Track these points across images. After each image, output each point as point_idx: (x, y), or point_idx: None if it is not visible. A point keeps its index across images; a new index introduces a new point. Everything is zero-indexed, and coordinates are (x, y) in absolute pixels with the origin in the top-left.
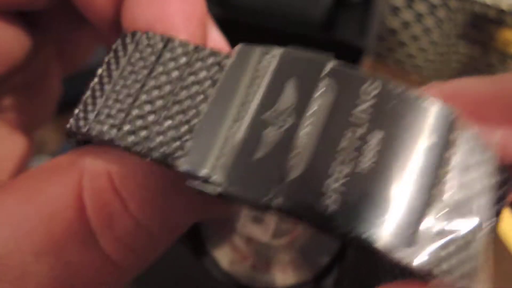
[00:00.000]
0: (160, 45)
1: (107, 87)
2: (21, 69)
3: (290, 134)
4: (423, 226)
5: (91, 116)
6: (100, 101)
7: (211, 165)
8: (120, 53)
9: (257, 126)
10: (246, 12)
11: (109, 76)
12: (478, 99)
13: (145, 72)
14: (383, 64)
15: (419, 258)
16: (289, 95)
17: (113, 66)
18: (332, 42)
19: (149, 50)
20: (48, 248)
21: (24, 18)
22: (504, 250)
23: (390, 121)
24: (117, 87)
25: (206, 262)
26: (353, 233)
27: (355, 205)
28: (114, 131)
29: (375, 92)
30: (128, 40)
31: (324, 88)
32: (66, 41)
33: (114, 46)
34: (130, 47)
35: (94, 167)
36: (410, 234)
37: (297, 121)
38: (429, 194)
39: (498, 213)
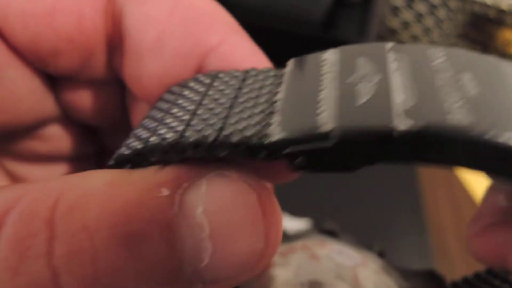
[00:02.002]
0: (241, 76)
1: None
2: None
3: (384, 83)
4: None
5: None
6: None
7: (312, 123)
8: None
9: (347, 87)
10: (246, 12)
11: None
12: None
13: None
14: None
15: None
16: (364, 65)
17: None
18: (332, 42)
19: (232, 80)
20: None
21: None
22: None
23: (471, 66)
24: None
25: None
26: (496, 137)
27: (486, 115)
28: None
29: (443, 52)
30: (202, 77)
31: (395, 55)
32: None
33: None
34: (208, 80)
35: None
36: None
37: (384, 76)
38: None
39: None
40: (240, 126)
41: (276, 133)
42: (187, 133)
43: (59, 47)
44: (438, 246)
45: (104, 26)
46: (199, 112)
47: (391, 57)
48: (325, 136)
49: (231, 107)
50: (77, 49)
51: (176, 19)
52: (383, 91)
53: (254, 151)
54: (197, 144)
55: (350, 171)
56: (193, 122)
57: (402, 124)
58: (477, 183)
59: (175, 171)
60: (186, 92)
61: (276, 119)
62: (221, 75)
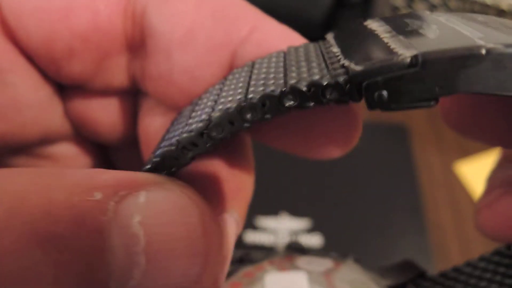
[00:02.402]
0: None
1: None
2: None
3: (445, 26)
4: None
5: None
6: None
7: (389, 55)
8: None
9: (408, 33)
10: None
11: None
12: None
13: None
14: None
15: None
16: (414, 22)
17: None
18: None
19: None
20: None
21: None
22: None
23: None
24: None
25: None
26: None
27: None
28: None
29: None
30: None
31: (436, 16)
32: None
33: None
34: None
35: None
36: None
37: (441, 24)
38: None
39: None
40: (304, 75)
41: (352, 68)
42: (250, 96)
43: (74, 47)
44: (438, 246)
45: (122, 26)
46: (252, 81)
47: (433, 16)
48: (409, 62)
49: (285, 69)
50: (92, 49)
51: (204, 12)
52: (450, 29)
53: (325, 93)
54: (267, 98)
55: (428, 104)
56: (251, 89)
57: (487, 44)
58: (477, 183)
59: (115, 178)
60: (230, 77)
61: (343, 63)
62: (258, 60)
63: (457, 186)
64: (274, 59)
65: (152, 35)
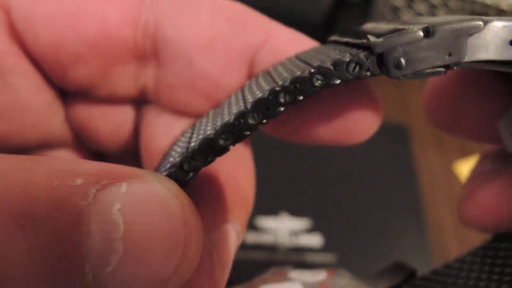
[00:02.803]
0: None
1: None
2: None
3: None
4: None
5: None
6: None
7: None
8: None
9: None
10: None
11: None
12: None
13: None
14: None
15: None
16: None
17: None
18: None
19: None
20: None
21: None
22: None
23: None
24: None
25: None
26: None
27: None
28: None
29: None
30: None
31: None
32: None
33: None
34: None
35: None
36: None
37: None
38: None
39: None
40: (326, 59)
41: (373, 41)
42: (280, 82)
43: (81, 51)
44: (437, 246)
45: (132, 36)
46: (276, 77)
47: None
48: (423, 33)
49: (305, 62)
50: (99, 56)
51: (220, 21)
52: (445, 16)
53: (349, 69)
54: (298, 80)
55: (440, 71)
56: (279, 81)
57: (484, 18)
58: None
59: (98, 167)
60: (248, 83)
61: (361, 41)
62: (271, 68)
63: (457, 186)
64: (287, 62)
65: (167, 45)
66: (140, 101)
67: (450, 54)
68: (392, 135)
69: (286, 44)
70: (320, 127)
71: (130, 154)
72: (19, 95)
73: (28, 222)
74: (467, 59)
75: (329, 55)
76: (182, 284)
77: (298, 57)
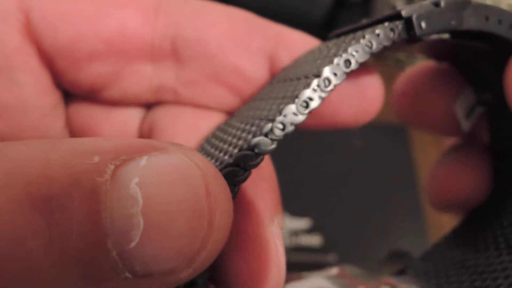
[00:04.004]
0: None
1: None
2: None
3: None
4: None
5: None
6: None
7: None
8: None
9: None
10: None
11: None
12: None
13: None
14: (383, 64)
15: None
16: None
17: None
18: None
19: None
20: None
21: None
22: None
23: None
24: None
25: None
26: None
27: None
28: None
29: None
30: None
31: None
32: None
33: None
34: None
35: None
36: None
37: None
38: None
39: None
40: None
41: (403, 10)
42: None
43: (98, 49)
44: None
45: (150, 37)
46: (316, 60)
47: None
48: (435, 3)
49: (336, 49)
50: (116, 53)
51: (237, 20)
52: None
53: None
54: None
55: (446, 35)
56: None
57: None
58: None
59: (117, 144)
60: (271, 84)
61: (387, 15)
62: (290, 65)
63: None
64: (309, 54)
65: (188, 44)
66: (151, 103)
67: (454, 21)
68: (392, 136)
69: (298, 43)
70: (342, 108)
71: None
72: (23, 93)
73: (45, 203)
74: (465, 27)
75: (357, 34)
76: (212, 260)
77: (318, 49)
